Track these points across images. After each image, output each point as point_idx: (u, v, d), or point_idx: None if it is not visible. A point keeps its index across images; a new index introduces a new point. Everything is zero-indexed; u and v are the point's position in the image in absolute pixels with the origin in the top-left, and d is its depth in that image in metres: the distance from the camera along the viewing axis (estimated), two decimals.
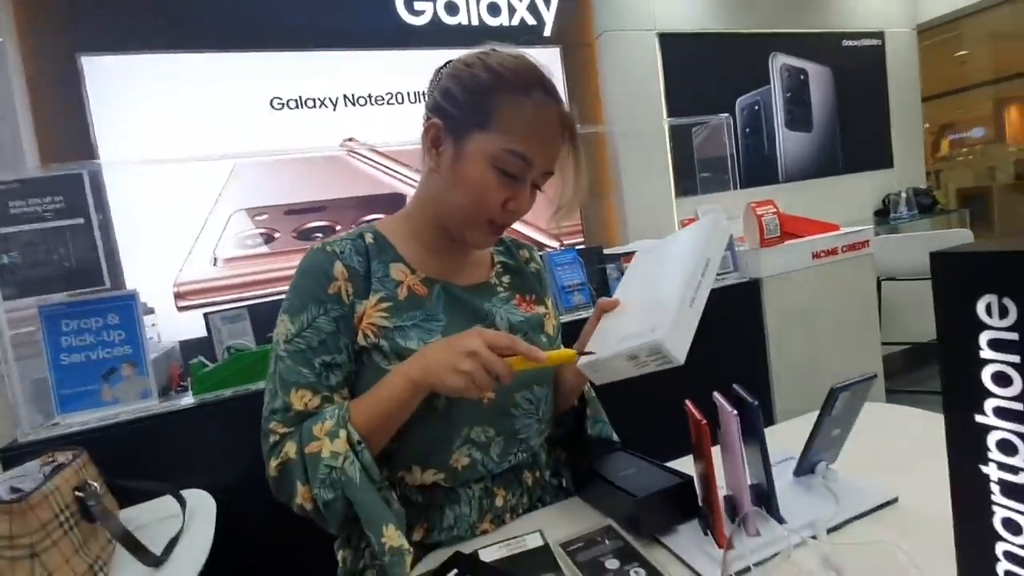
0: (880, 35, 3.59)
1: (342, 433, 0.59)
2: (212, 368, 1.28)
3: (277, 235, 2.42)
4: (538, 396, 0.73)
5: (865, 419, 0.69)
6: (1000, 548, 0.35)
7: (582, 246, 2.78)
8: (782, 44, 3.26)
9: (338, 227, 2.50)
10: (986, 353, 0.33)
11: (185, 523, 1.04)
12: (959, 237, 2.31)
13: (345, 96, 2.53)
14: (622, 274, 1.78)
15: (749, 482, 0.59)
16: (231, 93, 2.35)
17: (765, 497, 0.58)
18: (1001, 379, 0.33)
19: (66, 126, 2.16)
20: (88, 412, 1.23)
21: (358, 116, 2.55)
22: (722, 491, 0.59)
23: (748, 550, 0.50)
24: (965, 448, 0.36)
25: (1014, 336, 0.32)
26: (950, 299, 0.35)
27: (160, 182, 2.21)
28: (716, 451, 0.61)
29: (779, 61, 3.25)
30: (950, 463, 0.37)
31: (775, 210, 1.77)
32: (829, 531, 0.57)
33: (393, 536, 0.56)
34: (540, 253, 0.89)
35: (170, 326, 2.05)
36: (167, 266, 2.25)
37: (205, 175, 2.31)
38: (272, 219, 2.42)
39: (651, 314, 0.61)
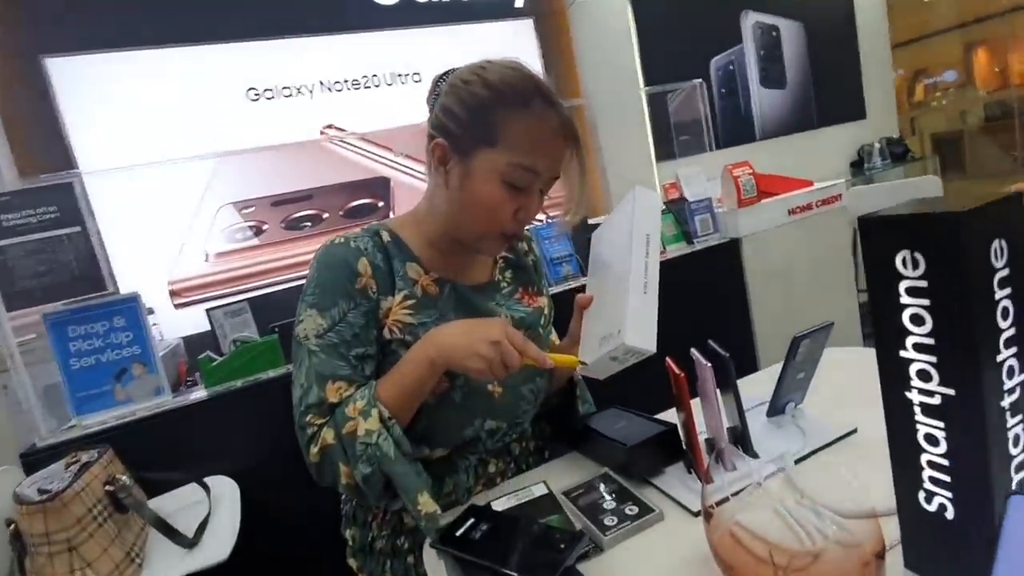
0: None
1: (374, 412, 0.63)
2: (220, 361, 1.33)
3: (266, 227, 2.44)
4: (539, 386, 0.80)
5: (829, 362, 0.77)
6: (924, 458, 0.42)
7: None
8: (753, 1, 3.27)
9: (325, 215, 2.53)
10: (904, 299, 0.40)
11: (212, 508, 1.11)
12: (928, 184, 2.39)
13: (321, 82, 2.53)
14: None
15: (726, 425, 0.67)
16: (206, 86, 2.34)
17: (740, 437, 0.65)
18: (917, 320, 0.39)
19: (38, 131, 2.14)
20: (104, 412, 1.28)
21: (336, 102, 2.55)
22: (703, 435, 0.67)
23: (726, 483, 0.58)
24: (893, 378, 0.42)
25: (924, 284, 0.38)
26: (874, 255, 0.41)
27: (143, 183, 2.21)
28: (697, 402, 0.68)
29: (751, 19, 3.26)
30: (883, 391, 0.44)
31: (751, 171, 1.82)
32: (796, 462, 0.65)
33: (428, 503, 0.61)
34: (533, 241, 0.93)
35: (169, 324, 2.09)
36: (159, 265, 2.27)
37: (188, 172, 2.31)
38: (259, 211, 2.44)
39: (615, 309, 0.65)
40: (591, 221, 1.95)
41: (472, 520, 0.56)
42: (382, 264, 0.71)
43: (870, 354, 0.94)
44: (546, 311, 0.85)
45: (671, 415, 0.86)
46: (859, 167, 3.60)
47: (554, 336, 0.90)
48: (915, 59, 5.24)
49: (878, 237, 0.41)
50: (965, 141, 5.55)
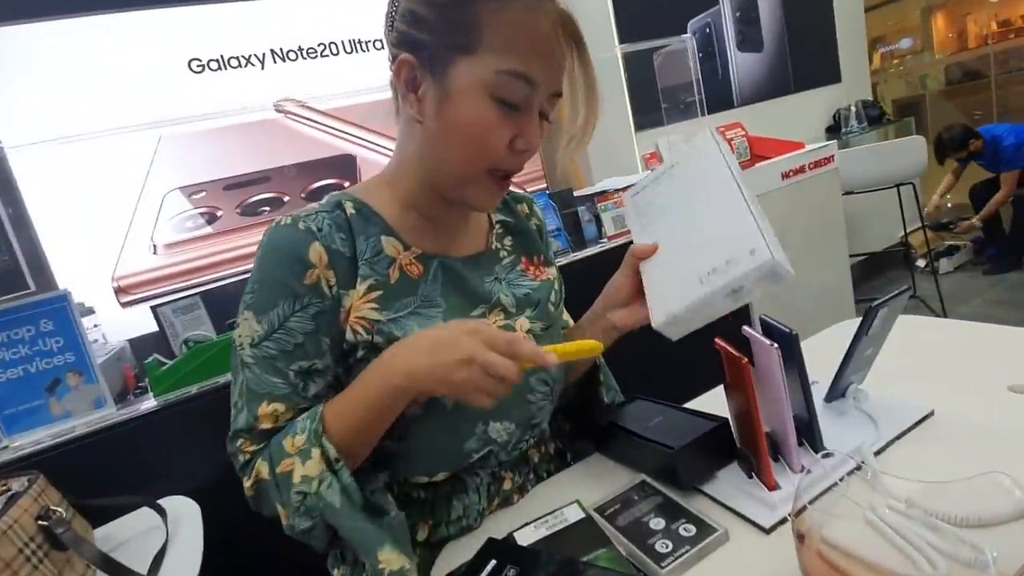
0: None
1: (314, 452, 0.49)
2: (170, 365, 1.17)
3: (220, 213, 2.23)
4: (554, 377, 0.67)
5: None
6: None
7: (546, 192, 2.69)
8: None
9: (286, 198, 2.33)
10: None
11: (169, 534, 0.96)
12: (914, 145, 2.34)
13: (273, 51, 2.30)
14: (596, 216, 1.72)
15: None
16: (142, 58, 2.09)
17: (807, 429, 0.54)
18: None
19: None
20: (39, 430, 1.11)
21: (290, 73, 2.33)
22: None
23: (803, 488, 0.47)
24: None
25: None
26: None
27: (79, 167, 1.97)
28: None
29: None
30: None
31: (744, 133, 1.72)
32: (876, 454, 0.54)
33: (391, 559, 0.48)
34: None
35: (116, 325, 1.88)
36: (102, 259, 2.04)
37: (128, 155, 2.08)
38: (211, 196, 2.22)
39: (722, 236, 0.53)
40: (577, 193, 1.83)
41: (494, 562, 0.44)
42: (343, 247, 0.56)
43: (912, 321, 0.82)
44: (556, 285, 0.71)
45: (699, 403, 0.75)
46: (835, 132, 3.56)
47: (566, 316, 0.77)
48: (872, 27, 5.26)
49: None
50: (927, 105, 5.66)
